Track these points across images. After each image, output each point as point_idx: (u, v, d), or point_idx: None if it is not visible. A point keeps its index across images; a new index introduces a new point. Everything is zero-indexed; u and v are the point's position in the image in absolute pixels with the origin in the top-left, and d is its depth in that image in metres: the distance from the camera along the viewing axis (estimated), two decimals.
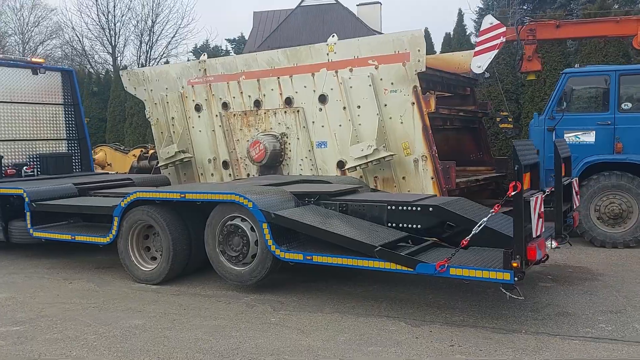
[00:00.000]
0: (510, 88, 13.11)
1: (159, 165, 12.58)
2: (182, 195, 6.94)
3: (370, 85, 9.64)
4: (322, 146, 10.43)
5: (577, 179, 7.09)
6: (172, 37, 35.18)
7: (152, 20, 34.45)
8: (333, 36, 10.33)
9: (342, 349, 4.87)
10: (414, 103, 9.34)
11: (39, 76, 11.07)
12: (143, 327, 5.55)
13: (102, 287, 7.17)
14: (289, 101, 10.71)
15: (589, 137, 9.38)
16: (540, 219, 5.12)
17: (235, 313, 5.94)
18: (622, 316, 5.59)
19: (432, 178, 9.22)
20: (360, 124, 9.86)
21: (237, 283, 6.73)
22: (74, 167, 11.55)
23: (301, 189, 7.26)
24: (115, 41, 34.55)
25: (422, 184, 9.36)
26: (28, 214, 8.39)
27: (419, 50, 9.26)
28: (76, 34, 34.77)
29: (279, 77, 10.78)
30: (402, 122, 9.51)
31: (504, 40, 10.30)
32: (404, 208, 6.40)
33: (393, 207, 6.47)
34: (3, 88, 10.48)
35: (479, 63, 10.40)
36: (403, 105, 9.46)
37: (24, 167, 10.54)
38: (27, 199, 8.36)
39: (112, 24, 34.30)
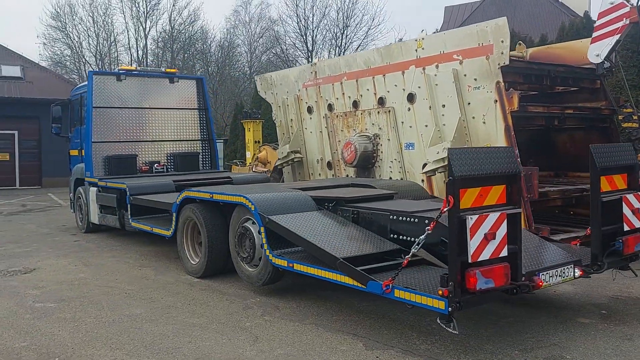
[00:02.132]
0: (636, 80, 10.77)
1: (277, 164, 13.22)
2: (211, 196, 7.30)
3: (453, 82, 8.88)
4: (410, 148, 9.91)
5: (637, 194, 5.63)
6: (363, 39, 36.14)
7: (344, 24, 35.85)
8: (422, 31, 9.74)
9: None
10: (496, 101, 8.35)
11: (175, 84, 12.49)
12: (135, 316, 6.02)
13: (157, 275, 7.90)
14: (381, 101, 10.39)
15: None
16: (492, 241, 4.24)
17: (223, 313, 6.08)
18: None
19: None
20: (444, 124, 9.13)
21: (249, 283, 6.86)
22: (201, 165, 12.80)
23: (325, 194, 7.06)
24: (312, 46, 36.80)
25: None
26: (129, 205, 9.62)
27: (502, 42, 8.24)
28: (279, 42, 37.88)
29: (374, 77, 10.52)
30: (484, 122, 8.56)
31: (628, 22, 8.57)
32: (403, 219, 5.83)
33: (394, 217, 5.95)
34: (144, 96, 12.08)
35: (597, 51, 8.82)
36: (486, 104, 8.51)
37: (155, 165, 12.02)
38: (128, 193, 9.59)
39: (310, 30, 36.57)
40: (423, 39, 9.59)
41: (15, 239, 11.22)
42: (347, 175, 11.24)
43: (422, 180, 9.65)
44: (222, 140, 24.35)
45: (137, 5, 40.65)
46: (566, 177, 10.32)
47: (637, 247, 5.59)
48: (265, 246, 6.23)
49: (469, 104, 8.79)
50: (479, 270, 4.20)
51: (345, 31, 35.84)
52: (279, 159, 12.84)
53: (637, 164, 5.76)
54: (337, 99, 11.44)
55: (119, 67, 12.08)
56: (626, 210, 5.45)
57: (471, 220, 4.15)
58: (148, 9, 40.44)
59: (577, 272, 5.16)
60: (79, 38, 43.43)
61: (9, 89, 23.02)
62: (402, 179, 10.03)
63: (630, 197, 5.52)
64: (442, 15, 35.46)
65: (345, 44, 36.02)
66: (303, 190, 7.16)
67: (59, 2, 48.81)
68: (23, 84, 23.84)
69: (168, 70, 12.82)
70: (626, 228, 5.46)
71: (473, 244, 4.16)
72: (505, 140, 8.26)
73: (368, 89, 10.67)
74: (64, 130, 13.06)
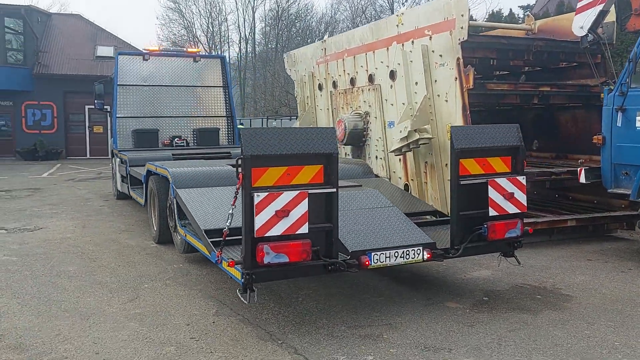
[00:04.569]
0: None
1: None
2: (156, 168, 7.89)
3: (423, 58, 8.68)
4: (391, 126, 9.82)
5: (517, 178, 5.30)
6: None
7: None
8: (403, 5, 9.51)
9: None
10: (456, 78, 8.08)
11: (198, 63, 13.23)
12: (62, 272, 6.76)
13: (127, 240, 8.67)
14: (371, 78, 10.35)
15: None
16: (285, 218, 4.34)
17: (135, 275, 6.64)
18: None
19: None
20: (416, 102, 8.97)
21: (178, 251, 7.41)
22: (226, 140, 13.49)
23: None
24: None
25: None
26: (128, 175, 10.55)
27: (462, 15, 7.95)
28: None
29: (366, 54, 10.49)
30: (446, 100, 8.32)
31: None
32: None
33: None
34: (168, 74, 12.96)
35: (581, 23, 8.18)
36: (448, 81, 8.27)
37: (175, 139, 12.90)
38: (127, 163, 10.54)
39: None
40: (402, 14, 9.41)
41: (56, 202, 12.69)
42: (346, 155, 11.35)
43: (400, 160, 9.57)
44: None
45: None
46: (566, 159, 9.70)
47: (510, 233, 5.32)
48: (175, 217, 6.71)
49: (435, 81, 8.56)
50: (268, 245, 4.36)
51: None
52: None
53: (521, 147, 5.43)
54: (340, 76, 11.52)
55: (144, 48, 13.02)
56: (493, 195, 5.20)
57: (258, 197, 4.31)
58: None
59: (426, 255, 5.07)
60: (192, 18, 46.53)
61: (101, 68, 25.35)
62: (383, 158, 10.01)
63: (502, 181, 5.24)
64: None
65: None
66: None
67: None
68: None
69: (191, 50, 13.56)
70: (492, 213, 5.21)
71: (259, 220, 4.31)
72: (462, 119, 7.99)
73: (362, 66, 10.66)
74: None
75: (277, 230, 4.38)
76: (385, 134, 9.91)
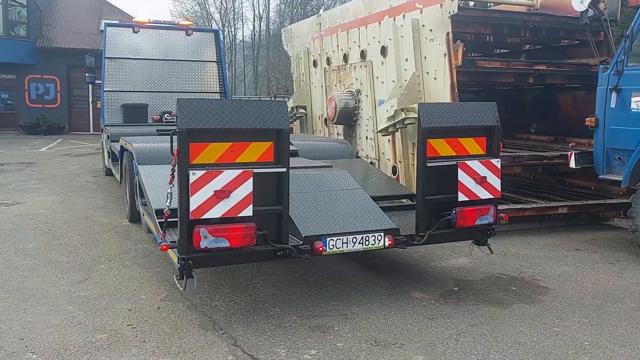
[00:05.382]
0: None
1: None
2: (125, 143, 7.57)
3: (413, 33, 8.20)
4: (381, 105, 9.37)
5: (491, 160, 4.88)
6: None
7: None
8: None
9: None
10: (445, 54, 7.60)
11: (191, 37, 12.82)
12: (20, 249, 6.51)
13: (101, 218, 8.39)
14: (363, 54, 9.90)
15: None
16: (225, 199, 3.98)
17: (95, 255, 6.37)
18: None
19: None
20: (405, 80, 8.51)
21: (144, 230, 7.11)
22: None
23: None
24: None
25: None
26: (110, 151, 10.27)
27: None
28: None
29: (359, 28, 10.01)
30: (435, 78, 7.86)
31: None
32: None
33: None
34: (159, 48, 12.56)
35: None
36: (437, 58, 7.79)
37: (165, 115, 12.55)
38: (109, 139, 10.25)
39: None
40: None
41: (44, 177, 12.46)
42: (338, 134, 10.94)
43: (388, 141, 9.15)
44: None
45: None
46: (564, 143, 9.19)
47: (481, 220, 4.91)
48: (137, 194, 6.39)
49: (425, 58, 8.09)
50: (206, 229, 4.00)
51: None
52: None
53: (497, 127, 4.99)
54: (334, 52, 11.07)
55: (134, 20, 12.64)
56: (464, 178, 4.78)
57: (194, 176, 3.94)
58: None
59: (387, 242, 4.68)
60: None
61: None
62: (373, 139, 9.59)
63: (473, 164, 4.81)
64: None
65: None
66: None
67: None
68: None
69: (183, 23, 13.14)
70: (462, 198, 4.80)
71: (195, 201, 3.95)
72: (450, 98, 7.53)
73: (355, 42, 10.20)
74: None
75: (217, 212, 4.02)
76: (376, 113, 9.47)
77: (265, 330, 4.30)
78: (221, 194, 4.01)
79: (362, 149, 9.94)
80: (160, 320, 4.50)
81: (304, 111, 12.30)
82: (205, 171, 3.98)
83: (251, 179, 4.09)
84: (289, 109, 12.48)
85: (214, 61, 13.03)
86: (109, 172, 12.36)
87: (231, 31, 47.04)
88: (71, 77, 25.89)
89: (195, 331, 4.29)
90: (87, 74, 13.88)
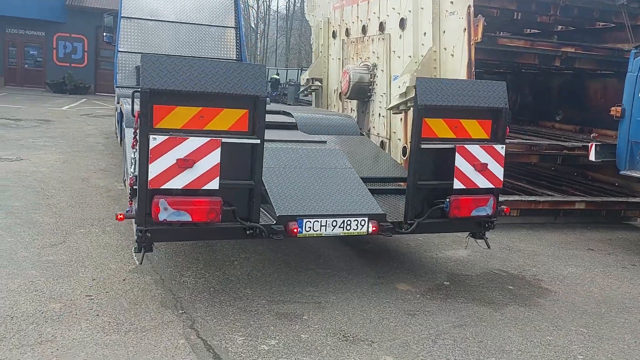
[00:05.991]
0: None
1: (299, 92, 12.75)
2: (121, 105, 7.27)
3: (433, 5, 7.66)
4: (395, 80, 8.87)
5: (495, 146, 4.40)
6: None
7: None
8: None
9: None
10: (465, 29, 7.05)
11: (211, 1, 12.43)
12: (7, 206, 6.34)
13: (98, 181, 8.18)
14: (381, 27, 9.35)
15: None
16: (189, 169, 3.62)
17: (77, 218, 6.15)
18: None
19: None
20: (422, 56, 7.99)
21: None
22: None
23: None
24: None
25: None
26: (118, 114, 10.02)
27: None
28: None
29: None
30: (452, 55, 7.33)
31: None
32: None
33: None
34: (176, 10, 12.20)
35: None
36: (456, 33, 7.25)
37: None
38: (115, 99, 9.99)
39: None
40: None
41: (56, 135, 12.35)
42: (352, 110, 10.48)
43: (401, 120, 8.67)
44: None
45: None
46: (590, 133, 8.58)
47: (478, 211, 4.46)
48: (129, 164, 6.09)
49: (444, 32, 7.55)
50: (165, 200, 3.67)
51: None
52: (301, 85, 12.37)
53: (505, 110, 4.50)
54: (353, 23, 10.55)
55: None
56: (461, 164, 4.33)
57: (154, 141, 3.60)
58: None
59: (371, 228, 4.29)
60: None
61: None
62: (385, 116, 9.12)
63: (473, 149, 4.36)
64: None
65: None
66: None
67: None
68: None
69: None
70: (458, 186, 4.36)
71: (154, 169, 3.61)
72: (466, 77, 7.00)
73: (374, 12, 9.66)
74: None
75: (178, 183, 3.68)
76: (390, 89, 8.98)
77: (228, 314, 3.98)
78: (184, 163, 3.66)
79: (373, 127, 9.48)
80: (121, 293, 4.22)
81: (320, 84, 11.84)
82: (167, 137, 3.63)
83: (219, 149, 3.73)
84: (304, 81, 12.06)
85: (233, 27, 12.62)
86: None
87: (266, 1, 46.44)
88: (99, 38, 25.71)
89: (154, 308, 4.00)
90: (104, 34, 13.67)
